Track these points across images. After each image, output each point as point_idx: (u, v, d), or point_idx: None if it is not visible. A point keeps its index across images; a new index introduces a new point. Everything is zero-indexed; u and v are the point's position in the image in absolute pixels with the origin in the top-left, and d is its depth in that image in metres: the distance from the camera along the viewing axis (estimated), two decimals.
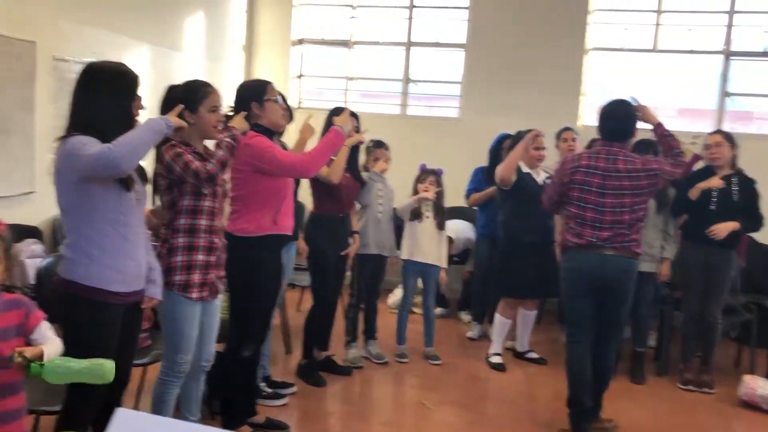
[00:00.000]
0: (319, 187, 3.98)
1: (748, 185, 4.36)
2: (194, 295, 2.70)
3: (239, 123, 2.82)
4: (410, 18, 6.85)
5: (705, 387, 4.39)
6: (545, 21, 6.39)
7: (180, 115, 2.49)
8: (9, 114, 4.17)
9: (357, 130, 4.09)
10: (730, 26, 6.09)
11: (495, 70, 6.53)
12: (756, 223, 4.37)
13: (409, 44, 6.88)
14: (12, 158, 4.23)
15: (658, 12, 6.25)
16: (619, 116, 3.50)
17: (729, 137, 4.45)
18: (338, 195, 4.01)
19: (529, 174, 4.53)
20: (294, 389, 3.96)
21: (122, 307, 2.39)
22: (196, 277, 2.69)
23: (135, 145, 2.19)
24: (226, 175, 2.85)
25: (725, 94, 6.13)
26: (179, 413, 2.92)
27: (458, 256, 5.79)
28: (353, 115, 3.85)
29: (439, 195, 4.59)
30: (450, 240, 5.42)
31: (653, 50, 6.27)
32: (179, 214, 2.66)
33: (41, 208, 4.29)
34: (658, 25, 6.25)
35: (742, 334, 4.97)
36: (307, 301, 4.28)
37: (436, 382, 4.37)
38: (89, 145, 2.18)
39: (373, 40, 7.04)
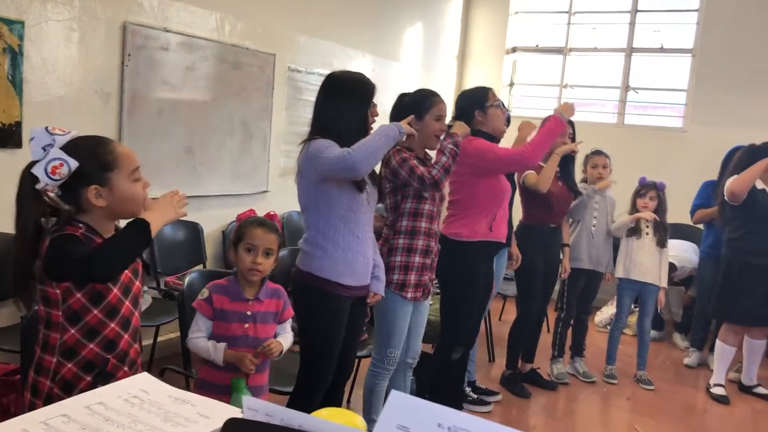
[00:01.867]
0: (530, 195, 3.93)
1: None
2: (409, 294, 2.80)
3: (460, 129, 2.88)
4: (632, 23, 6.52)
5: None
6: None
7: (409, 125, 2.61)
8: (252, 120, 4.63)
9: (572, 138, 3.99)
10: None
11: (726, 77, 5.99)
12: None
13: (630, 50, 6.55)
14: (252, 160, 4.69)
15: None
16: None
17: None
18: (550, 204, 3.92)
19: (763, 190, 4.10)
20: (498, 397, 3.95)
21: (350, 299, 2.54)
22: (413, 277, 2.80)
23: (372, 151, 2.32)
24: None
25: None
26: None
27: (681, 280, 5.41)
28: (569, 122, 3.77)
29: (661, 211, 4.31)
30: (673, 267, 5.09)
31: None
32: (401, 216, 2.78)
33: (273, 205, 4.71)
34: None
35: None
36: (510, 311, 4.25)
37: (649, 407, 4.11)
38: (330, 148, 2.35)
39: (591, 47, 6.80)
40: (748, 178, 4.06)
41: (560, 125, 3.07)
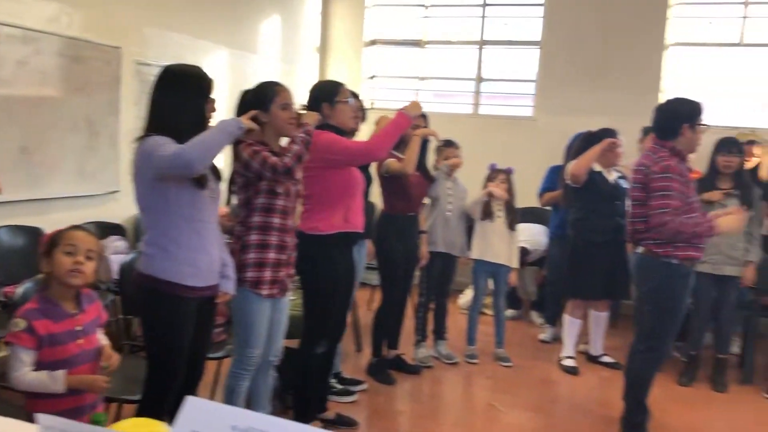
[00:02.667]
0: (390, 186, 4.01)
1: None
2: (265, 292, 2.77)
3: (311, 118, 2.87)
4: (483, 16, 6.79)
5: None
6: (622, 16, 6.21)
7: (255, 119, 2.56)
8: (98, 117, 4.40)
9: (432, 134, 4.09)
10: None
11: (570, 68, 6.40)
12: None
13: (482, 43, 6.82)
14: (99, 159, 4.45)
15: (746, 3, 5.96)
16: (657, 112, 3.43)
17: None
18: (408, 193, 4.03)
19: (600, 173, 4.42)
20: (364, 386, 4.00)
21: (197, 300, 2.47)
22: (267, 274, 2.76)
23: (207, 146, 2.26)
24: (299, 175, 2.90)
25: None
26: (250, 406, 3.01)
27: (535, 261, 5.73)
28: (423, 116, 3.90)
29: (510, 194, 4.54)
30: (527, 250, 5.37)
31: (740, 44, 5.99)
32: (253, 211, 2.74)
33: (125, 206, 4.47)
34: (745, 17, 5.96)
35: None
36: (378, 300, 4.32)
37: (507, 384, 4.32)
38: (165, 145, 2.26)
39: (446, 40, 7.02)
40: (586, 162, 4.35)
41: (406, 121, 3.13)
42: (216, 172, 2.54)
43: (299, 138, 2.69)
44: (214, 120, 2.44)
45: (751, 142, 4.74)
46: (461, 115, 6.89)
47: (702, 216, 3.25)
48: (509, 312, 5.78)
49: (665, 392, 4.30)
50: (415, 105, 3.19)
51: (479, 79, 6.88)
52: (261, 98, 2.70)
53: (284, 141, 2.82)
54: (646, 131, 4.92)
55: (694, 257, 3.28)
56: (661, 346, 3.42)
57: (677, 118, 3.27)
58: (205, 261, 2.44)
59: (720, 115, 6.12)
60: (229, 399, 2.89)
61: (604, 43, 6.27)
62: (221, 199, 2.64)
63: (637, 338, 3.49)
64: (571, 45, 6.39)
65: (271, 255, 2.76)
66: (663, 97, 6.17)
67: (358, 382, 3.99)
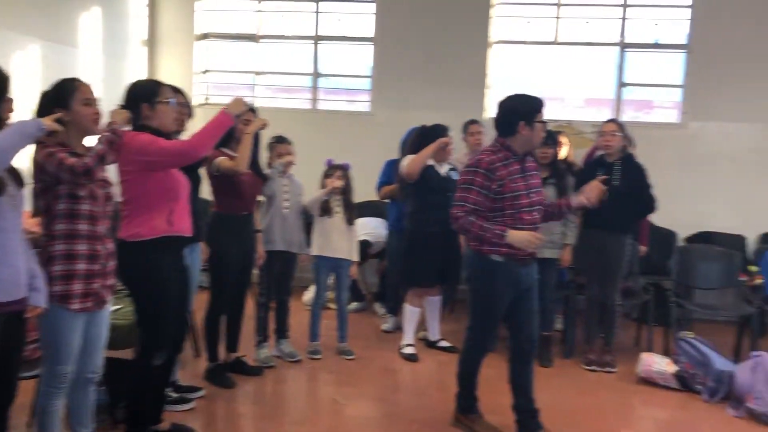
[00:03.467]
0: (220, 184, 3.90)
1: (636, 171, 4.55)
2: (76, 306, 2.57)
3: (119, 116, 2.71)
4: (317, 12, 6.80)
5: (607, 367, 4.57)
6: (450, 14, 6.47)
7: (59, 121, 2.37)
8: None
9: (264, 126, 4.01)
10: (624, 19, 6.34)
11: (403, 64, 6.58)
12: (646, 206, 4.57)
13: (317, 38, 6.83)
14: None
15: (558, 5, 6.43)
16: (498, 110, 3.38)
17: (621, 126, 4.64)
18: (240, 192, 3.94)
19: (432, 167, 4.58)
20: (202, 393, 3.87)
21: (2, 317, 2.26)
22: (78, 287, 2.56)
23: (2, 149, 2.07)
24: (107, 176, 2.72)
25: (622, 84, 6.39)
26: (70, 425, 2.81)
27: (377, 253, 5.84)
28: (252, 110, 3.83)
29: (348, 190, 4.59)
30: (368, 244, 5.46)
31: (554, 42, 6.46)
32: (55, 219, 2.53)
33: None
34: (558, 18, 6.43)
35: (642, 314, 5.22)
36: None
37: (350, 377, 4.37)
38: None
39: (281, 35, 6.95)
40: (420, 160, 4.50)
41: (227, 119, 3.02)
42: (17, 177, 2.33)
43: (104, 137, 2.52)
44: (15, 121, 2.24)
45: (557, 132, 5.11)
46: (299, 110, 6.87)
47: (498, 225, 3.23)
48: (353, 305, 5.86)
49: (497, 371, 4.53)
50: (238, 102, 3.09)
51: (316, 75, 6.88)
52: (60, 96, 2.51)
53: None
54: (466, 126, 5.17)
55: (512, 254, 3.25)
56: (478, 336, 3.56)
57: (514, 115, 3.25)
58: (6, 273, 2.24)
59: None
60: (42, 419, 2.67)
61: (434, 39, 6.50)
62: (25, 206, 2.42)
63: (468, 325, 3.64)
64: (403, 41, 6.57)
65: (81, 266, 2.57)
66: (489, 93, 6.54)
67: (195, 389, 3.86)
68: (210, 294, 4.10)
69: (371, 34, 6.70)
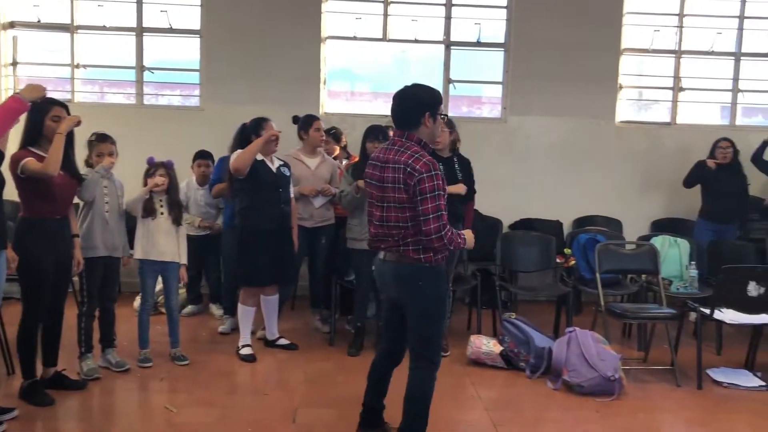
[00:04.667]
0: (27, 186, 3.58)
1: (467, 164, 4.79)
2: None
3: None
4: (139, 2, 6.45)
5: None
6: (280, 8, 6.41)
7: None
8: None
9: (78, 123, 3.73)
10: (448, 18, 6.61)
11: (234, 58, 6.42)
12: (471, 196, 4.81)
13: (141, 30, 6.48)
14: None
15: (386, 3, 6.57)
16: (399, 101, 3.07)
17: (449, 123, 4.83)
18: (52, 195, 3.64)
19: (263, 162, 4.51)
20: (14, 414, 3.53)
21: None
22: None
23: None
24: None
25: (449, 81, 6.67)
26: None
27: None
28: (61, 105, 3.58)
29: (172, 188, 4.39)
30: None
31: (383, 39, 6.60)
32: None
33: None
34: (386, 15, 6.57)
35: (472, 299, 5.49)
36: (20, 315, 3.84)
37: (183, 383, 4.19)
38: None
39: (100, 25, 6.51)
40: (249, 154, 4.41)
41: (20, 104, 2.77)
42: None
43: None
44: None
45: (388, 127, 5.23)
46: (124, 105, 6.50)
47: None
48: (189, 308, 5.66)
49: (336, 364, 4.60)
50: (34, 88, 2.84)
51: (141, 68, 6.53)
52: None
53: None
54: (309, 121, 5.13)
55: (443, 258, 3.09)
56: (433, 353, 3.20)
57: (419, 107, 3.01)
58: None
59: (373, 105, 6.75)
60: None
61: (264, 33, 6.40)
62: None
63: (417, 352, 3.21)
64: (232, 34, 6.41)
65: None
66: (322, 87, 6.56)
67: (6, 411, 3.52)
68: (23, 305, 3.75)
69: (198, 26, 6.46)
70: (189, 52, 6.56)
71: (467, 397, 4.15)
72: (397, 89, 3.10)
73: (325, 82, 6.58)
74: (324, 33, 6.54)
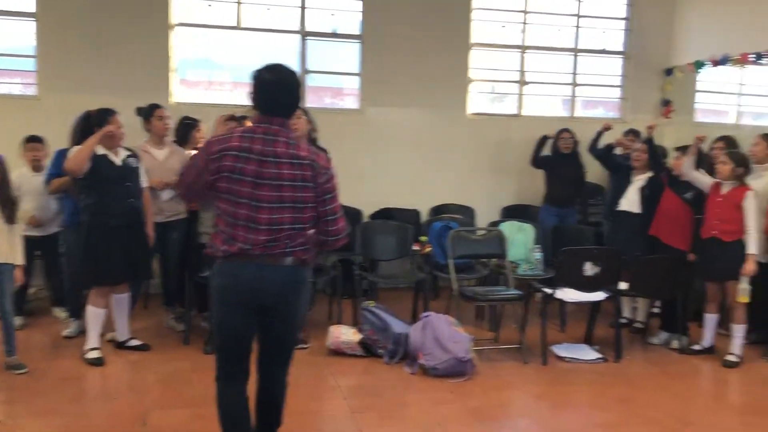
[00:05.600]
0: None
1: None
2: None
3: None
4: None
5: (300, 344, 4.73)
6: None
7: None
8: None
9: None
10: (303, 8, 6.56)
11: (74, 43, 6.00)
12: None
13: None
14: None
15: None
16: (289, 85, 2.71)
17: (306, 113, 4.80)
18: None
19: (104, 156, 4.27)
20: None
21: None
22: None
23: None
24: None
25: (305, 71, 6.62)
26: None
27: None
28: None
29: (4, 184, 4.04)
30: None
31: (237, 27, 6.43)
32: None
33: None
34: (239, 3, 6.41)
35: (334, 289, 5.51)
36: None
37: (21, 393, 3.89)
38: None
39: None
40: (85, 152, 4.16)
41: None
42: None
43: None
44: None
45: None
46: None
47: None
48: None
49: (192, 363, 4.45)
50: None
51: None
52: None
53: None
54: (151, 110, 4.91)
55: None
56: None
57: (297, 90, 2.77)
58: None
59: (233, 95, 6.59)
60: None
61: (109, 18, 6.04)
62: None
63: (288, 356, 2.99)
64: (71, 18, 5.98)
65: None
66: (173, 76, 6.29)
67: None
68: None
69: (33, 8, 5.97)
70: (23, 36, 6.05)
71: (326, 388, 4.16)
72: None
73: (176, 71, 6.32)
74: (173, 20, 6.27)
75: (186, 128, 5.36)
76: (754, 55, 6.21)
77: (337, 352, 4.65)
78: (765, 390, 4.37)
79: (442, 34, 6.80)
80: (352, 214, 6.45)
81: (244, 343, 2.77)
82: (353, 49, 6.76)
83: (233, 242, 2.61)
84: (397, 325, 4.63)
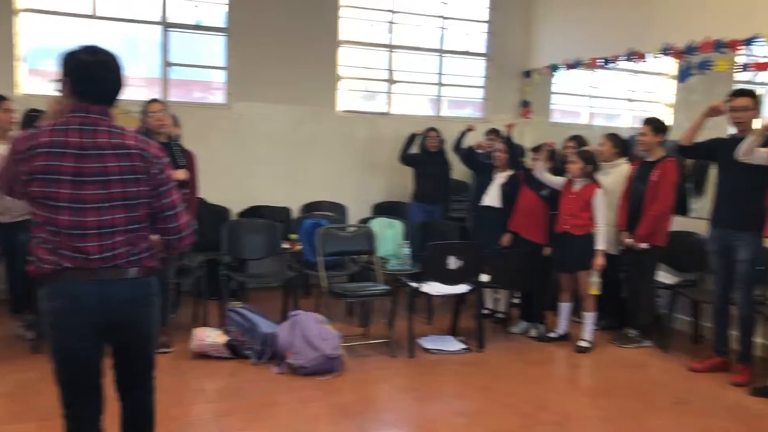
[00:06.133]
0: None
1: (181, 149, 4.64)
2: None
3: None
4: None
5: (162, 348, 4.54)
6: None
7: None
8: None
9: None
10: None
11: None
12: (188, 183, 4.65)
13: None
14: None
15: None
16: (112, 67, 2.33)
17: (165, 105, 4.62)
18: None
19: None
20: None
21: None
22: None
23: None
24: None
25: (167, 63, 6.37)
26: None
27: None
28: None
29: None
30: None
31: (93, 16, 6.07)
32: None
33: None
34: None
35: (198, 290, 5.33)
36: None
37: None
38: None
39: None
40: None
41: None
42: None
43: None
44: None
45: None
46: None
47: None
48: None
49: (42, 373, 4.14)
50: None
51: None
52: None
53: None
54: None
55: None
56: None
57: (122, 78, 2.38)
58: None
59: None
60: None
61: None
62: None
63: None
64: None
65: None
66: (18, 65, 5.84)
67: None
68: None
69: None
70: None
71: (190, 392, 4.02)
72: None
73: (23, 60, 5.87)
74: (17, 4, 5.82)
75: (32, 120, 4.96)
76: (602, 60, 6.67)
77: (203, 355, 4.51)
78: (613, 372, 4.70)
79: (311, 30, 6.77)
80: (218, 211, 6.29)
81: (92, 373, 2.37)
82: (219, 42, 6.58)
83: (61, 255, 2.22)
84: (265, 325, 4.56)
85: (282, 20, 6.63)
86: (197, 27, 6.51)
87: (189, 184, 4.61)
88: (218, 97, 6.75)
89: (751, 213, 4.27)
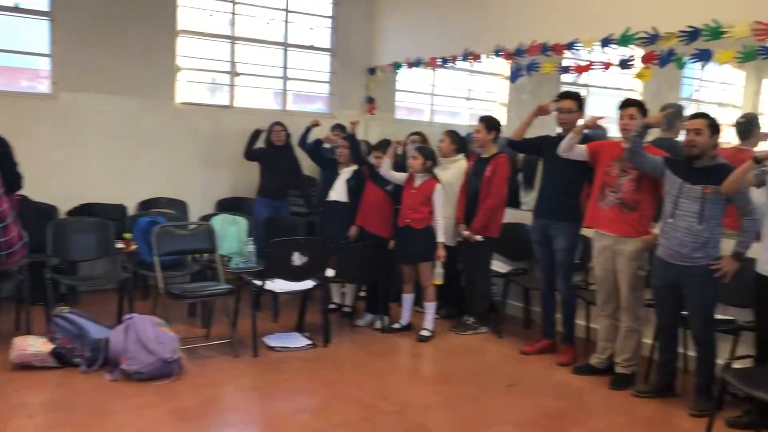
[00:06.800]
0: None
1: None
2: None
3: None
4: None
5: None
6: None
7: None
8: None
9: None
10: None
11: None
12: (14, 184, 4.23)
13: None
14: None
15: None
16: None
17: None
18: None
19: None
20: None
21: None
22: None
23: None
24: None
25: None
26: None
27: None
28: None
29: None
30: None
31: None
32: None
33: None
34: None
35: (19, 294, 4.89)
36: None
37: None
38: None
39: None
40: None
41: None
42: None
43: None
44: None
45: None
46: None
47: None
48: None
49: None
50: None
51: None
52: None
53: None
54: None
55: None
56: None
57: None
58: None
59: None
60: None
61: None
62: None
63: None
64: None
65: None
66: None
67: None
68: None
69: None
70: None
71: (10, 407, 3.67)
72: None
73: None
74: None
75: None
76: (441, 60, 6.92)
77: (25, 366, 4.15)
78: (452, 359, 4.90)
79: (146, 17, 6.42)
80: (44, 210, 5.81)
81: None
82: (43, 26, 6.06)
83: None
84: (96, 330, 4.27)
85: (113, 5, 6.23)
86: (15, 9, 5.96)
87: None
88: (44, 86, 6.22)
89: (568, 204, 4.63)
